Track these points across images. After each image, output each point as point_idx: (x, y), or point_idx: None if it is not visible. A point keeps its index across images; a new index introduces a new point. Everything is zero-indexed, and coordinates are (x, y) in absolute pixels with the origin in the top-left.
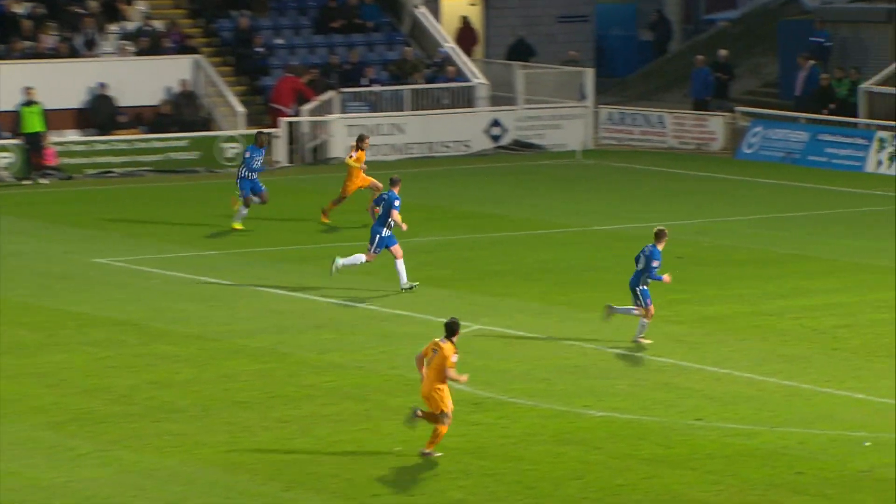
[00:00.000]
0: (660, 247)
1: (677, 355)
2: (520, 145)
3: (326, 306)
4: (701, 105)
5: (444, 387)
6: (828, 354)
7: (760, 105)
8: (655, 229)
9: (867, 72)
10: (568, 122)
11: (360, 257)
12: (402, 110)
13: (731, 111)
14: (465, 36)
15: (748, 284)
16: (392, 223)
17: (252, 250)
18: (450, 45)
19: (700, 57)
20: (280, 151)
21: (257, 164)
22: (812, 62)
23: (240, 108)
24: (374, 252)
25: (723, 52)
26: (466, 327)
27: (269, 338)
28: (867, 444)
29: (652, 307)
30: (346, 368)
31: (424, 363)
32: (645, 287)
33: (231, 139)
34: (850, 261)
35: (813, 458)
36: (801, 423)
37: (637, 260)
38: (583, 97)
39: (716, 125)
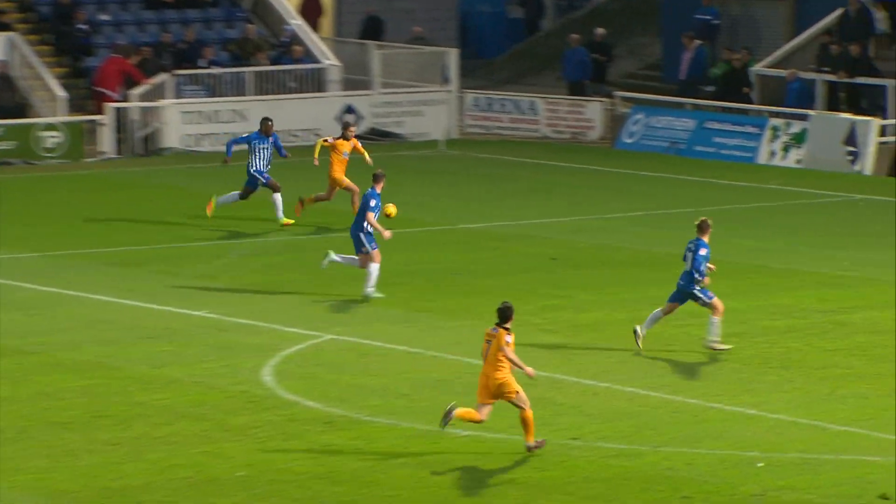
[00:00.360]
0: (705, 239)
1: (551, 367)
2: (376, 134)
3: (160, 314)
4: (576, 89)
5: (504, 375)
6: (717, 366)
7: (642, 90)
8: (697, 221)
9: (760, 53)
10: (429, 108)
11: (373, 267)
12: (244, 95)
13: (610, 96)
14: (310, 7)
15: (629, 289)
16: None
17: (75, 252)
18: (297, 22)
19: (575, 36)
20: (106, 141)
21: (265, 153)
22: (698, 42)
23: (60, 93)
24: (374, 248)
25: (600, 31)
26: (317, 337)
27: (95, 350)
28: (760, 464)
29: (716, 299)
30: (183, 384)
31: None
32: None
33: (51, 127)
34: (741, 262)
35: (701, 480)
36: (687, 442)
37: (686, 258)
38: (446, 81)
39: (593, 112)
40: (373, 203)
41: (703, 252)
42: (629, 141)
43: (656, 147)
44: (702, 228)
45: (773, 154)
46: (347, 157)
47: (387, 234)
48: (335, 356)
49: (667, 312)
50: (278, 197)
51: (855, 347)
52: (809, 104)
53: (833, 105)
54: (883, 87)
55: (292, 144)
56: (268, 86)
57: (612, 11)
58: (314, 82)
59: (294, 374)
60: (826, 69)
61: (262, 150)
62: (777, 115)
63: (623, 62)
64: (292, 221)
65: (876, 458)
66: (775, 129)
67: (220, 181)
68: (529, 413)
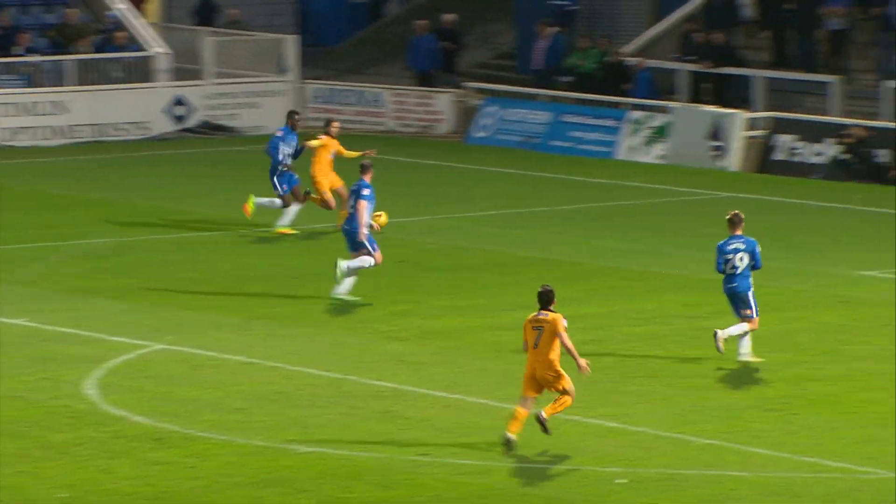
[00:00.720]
0: (741, 232)
1: (399, 378)
2: (209, 128)
3: None
4: (424, 80)
5: (557, 365)
6: (575, 376)
7: (495, 80)
8: (730, 216)
9: (619, 41)
10: (267, 99)
11: (368, 260)
12: (64, 85)
13: (461, 87)
14: None
15: (483, 293)
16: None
17: None
18: (122, 6)
19: (421, 22)
20: None
21: (290, 150)
22: (554, 30)
23: None
24: (374, 249)
25: (449, 17)
26: (146, 347)
27: None
28: (621, 481)
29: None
30: None
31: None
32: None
33: None
34: (599, 264)
35: (558, 498)
36: (544, 456)
37: (727, 263)
38: (284, 70)
39: (442, 104)
40: (365, 192)
41: (758, 249)
42: (481, 135)
43: (510, 141)
44: (736, 223)
45: (633, 149)
46: (333, 158)
47: (377, 224)
48: (165, 367)
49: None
50: (294, 207)
51: (719, 357)
52: (658, 95)
53: (697, 97)
54: (749, 78)
55: (117, 139)
56: (91, 75)
57: None
58: (141, 72)
59: (120, 386)
60: (690, 58)
61: (290, 149)
62: (638, 107)
63: (474, 51)
64: (294, 231)
65: (743, 473)
66: (636, 122)
67: (44, 176)
68: (570, 402)
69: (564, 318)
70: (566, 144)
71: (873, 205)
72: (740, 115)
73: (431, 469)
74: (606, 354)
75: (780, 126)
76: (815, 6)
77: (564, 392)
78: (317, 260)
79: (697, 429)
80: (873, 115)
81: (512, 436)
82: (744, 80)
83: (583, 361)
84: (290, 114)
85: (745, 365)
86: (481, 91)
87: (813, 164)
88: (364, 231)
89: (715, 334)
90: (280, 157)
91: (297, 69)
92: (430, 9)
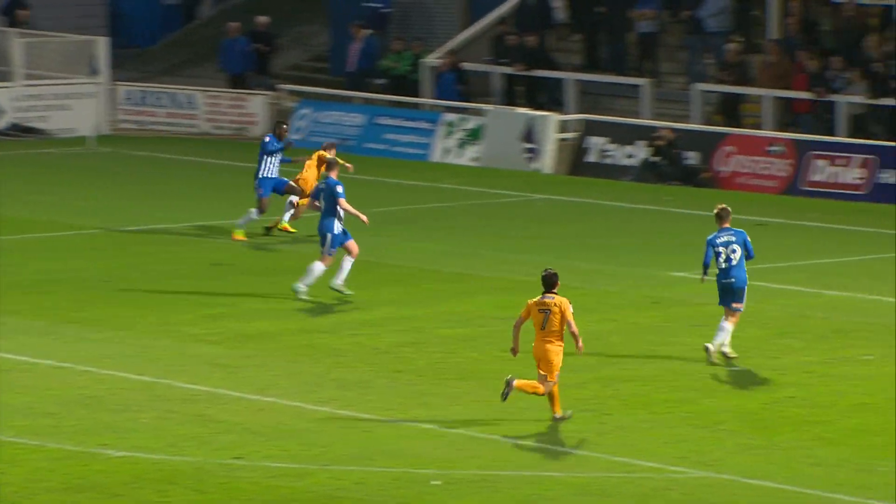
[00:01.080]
0: (729, 225)
1: (212, 381)
2: (18, 130)
3: None
4: (238, 82)
5: (560, 348)
6: (390, 378)
7: (309, 82)
8: (717, 210)
9: (433, 43)
10: (77, 101)
11: (318, 266)
12: None
13: (274, 89)
14: None
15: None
16: (342, 214)
17: None
18: None
19: (234, 24)
20: None
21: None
22: (368, 32)
23: None
24: (330, 253)
25: (261, 20)
26: None
27: None
28: (436, 482)
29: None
30: None
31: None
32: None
33: None
34: (414, 266)
35: (371, 500)
36: (359, 459)
37: (719, 256)
38: (94, 72)
39: (256, 106)
40: (339, 189)
41: (748, 239)
42: (296, 137)
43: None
44: (724, 217)
45: (448, 151)
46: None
47: (364, 217)
48: None
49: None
50: (254, 213)
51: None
52: (464, 97)
53: (510, 99)
54: (562, 81)
55: None
56: None
57: None
58: None
59: None
60: (503, 61)
61: (274, 157)
62: (452, 109)
63: (288, 53)
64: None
65: (557, 473)
66: (450, 124)
67: None
68: (542, 390)
69: (570, 302)
70: (381, 147)
71: (684, 206)
72: (553, 118)
73: (246, 473)
74: (422, 357)
75: (592, 128)
76: (625, 9)
77: (544, 380)
78: (130, 263)
79: (512, 430)
80: (683, 118)
81: (563, 413)
82: (556, 82)
83: (581, 342)
84: (278, 123)
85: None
86: (295, 93)
87: (624, 167)
88: (362, 217)
89: (707, 349)
90: (263, 164)
91: (108, 71)
92: (244, 11)
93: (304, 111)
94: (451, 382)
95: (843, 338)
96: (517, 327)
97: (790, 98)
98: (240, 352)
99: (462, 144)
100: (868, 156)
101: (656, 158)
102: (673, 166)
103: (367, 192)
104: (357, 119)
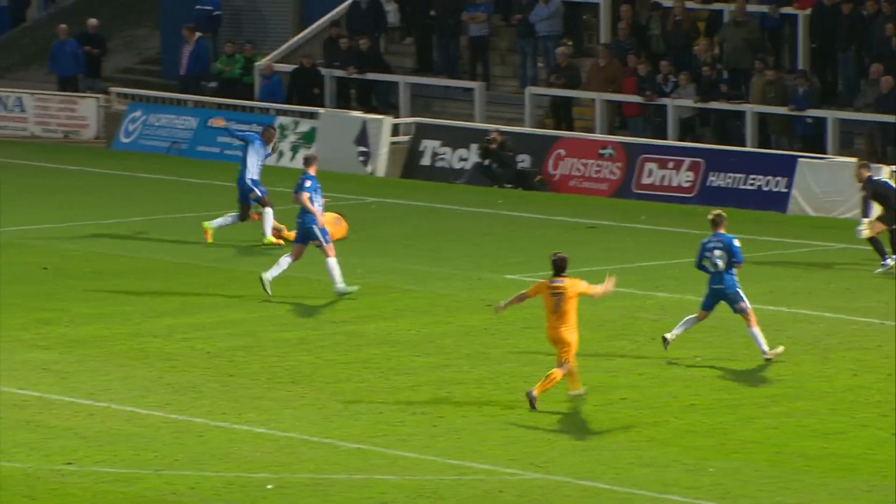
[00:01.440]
0: (723, 231)
1: (43, 387)
2: None
3: None
4: (68, 85)
5: (573, 329)
6: (223, 382)
7: (140, 85)
8: (711, 216)
9: (266, 47)
10: None
11: (331, 262)
12: None
13: (106, 92)
14: None
15: (129, 300)
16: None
17: None
18: None
19: (63, 27)
20: None
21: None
22: (199, 35)
23: None
24: (327, 242)
25: (92, 22)
26: None
27: None
28: (270, 486)
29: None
30: None
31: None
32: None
33: None
34: (248, 270)
35: None
36: (192, 464)
37: (706, 261)
38: None
39: (87, 109)
40: (308, 184)
41: (737, 243)
42: (127, 140)
43: (157, 147)
44: (717, 223)
45: (281, 155)
46: None
47: (317, 211)
48: None
49: (700, 320)
50: (270, 212)
51: (368, 360)
52: (280, 100)
53: (344, 102)
54: (395, 84)
55: None
56: None
57: (106, 1)
58: None
59: None
60: (336, 64)
61: (259, 159)
62: (284, 112)
63: (119, 56)
64: (282, 242)
65: (390, 476)
66: (283, 127)
67: None
68: (559, 377)
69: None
70: (213, 150)
71: (516, 209)
72: (386, 121)
73: (77, 478)
74: (255, 360)
75: (425, 132)
76: (457, 13)
77: (563, 363)
78: None
79: (345, 433)
80: (516, 121)
81: (578, 391)
82: (389, 85)
83: (611, 283)
84: (266, 128)
85: (771, 359)
86: (126, 96)
87: (457, 170)
88: (319, 219)
89: (664, 339)
90: (248, 167)
91: None
92: (73, 13)
93: (136, 114)
94: (284, 386)
95: (674, 340)
96: (519, 298)
97: (621, 101)
98: (71, 357)
99: (295, 147)
100: (697, 159)
101: (489, 161)
102: (504, 168)
103: (200, 196)
104: (189, 122)
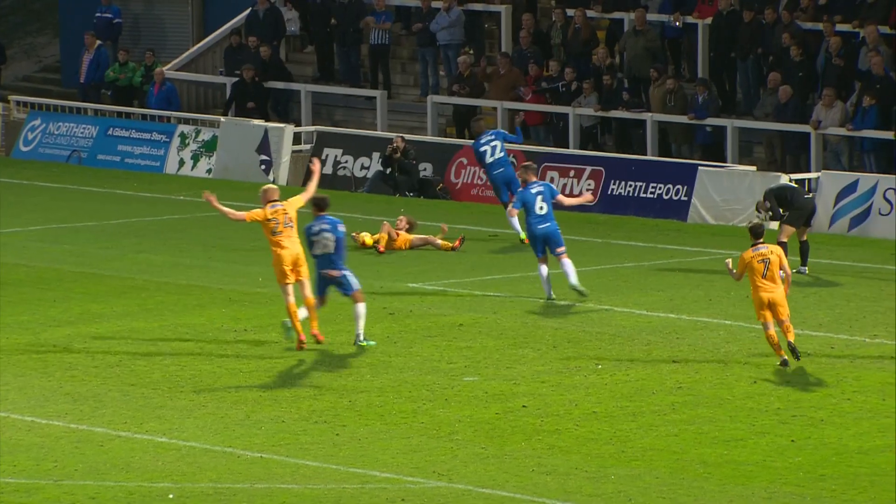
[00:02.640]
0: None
1: None
2: None
3: None
4: None
5: (783, 290)
6: (124, 391)
7: (40, 94)
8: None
9: (166, 56)
10: None
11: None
12: None
13: (5, 101)
14: None
15: (27, 309)
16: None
17: None
18: None
19: None
20: None
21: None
22: (99, 43)
23: None
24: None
25: None
26: None
27: None
28: (171, 496)
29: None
30: None
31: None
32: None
33: None
34: (148, 279)
35: None
36: (92, 474)
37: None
38: None
39: None
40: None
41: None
42: (26, 149)
43: (56, 156)
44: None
45: (181, 163)
46: None
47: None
48: None
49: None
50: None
51: (270, 369)
52: (175, 107)
53: (244, 111)
54: (296, 92)
55: None
56: None
57: (5, 9)
58: None
59: None
60: (236, 72)
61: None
62: (186, 121)
63: (18, 64)
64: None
65: (292, 485)
66: (184, 136)
67: None
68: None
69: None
70: (114, 159)
71: (418, 218)
72: (287, 129)
73: None
74: (156, 370)
75: (326, 140)
76: (357, 21)
77: (782, 323)
78: None
79: (247, 442)
80: (418, 130)
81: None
82: (290, 94)
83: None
84: (477, 120)
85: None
86: (26, 105)
87: (359, 178)
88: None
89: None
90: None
91: None
92: None
93: (35, 122)
94: (185, 395)
95: (575, 347)
96: (738, 277)
97: (521, 110)
98: None
99: (196, 156)
100: (598, 167)
101: (389, 169)
102: (406, 176)
103: (100, 205)
104: (89, 130)
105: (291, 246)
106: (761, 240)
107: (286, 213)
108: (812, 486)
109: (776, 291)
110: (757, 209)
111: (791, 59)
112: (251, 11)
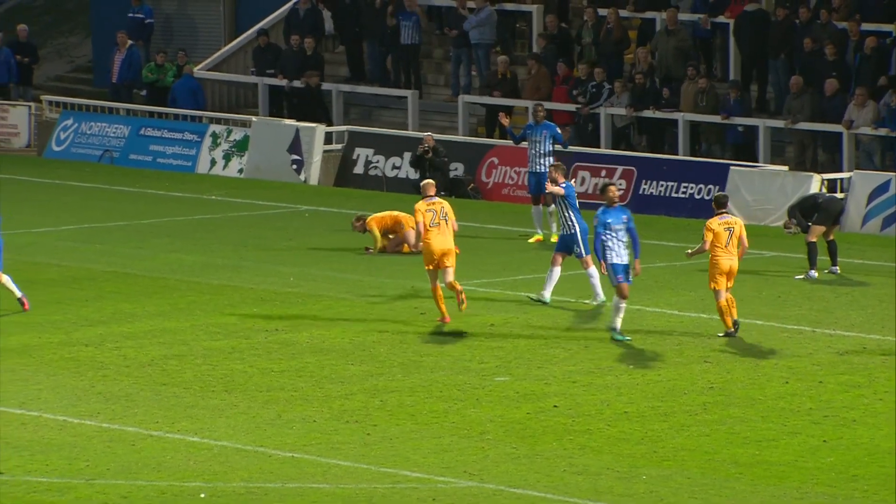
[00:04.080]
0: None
1: None
2: None
3: None
4: (1, 93)
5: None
6: (155, 391)
7: (72, 94)
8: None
9: (197, 55)
10: None
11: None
12: None
13: (37, 101)
14: None
15: (60, 309)
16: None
17: None
18: None
19: None
20: None
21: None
22: (131, 43)
23: None
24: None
25: (22, 28)
26: None
27: None
28: (203, 495)
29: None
30: None
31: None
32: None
33: None
34: (179, 279)
35: None
36: (124, 473)
37: None
38: None
39: (18, 117)
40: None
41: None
42: (59, 149)
43: (89, 155)
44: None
45: (213, 163)
46: None
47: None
48: None
49: None
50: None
51: (301, 368)
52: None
53: (277, 110)
54: (328, 92)
55: None
56: None
57: (37, 8)
58: None
59: None
60: (269, 72)
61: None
62: (218, 120)
63: (50, 64)
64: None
65: (323, 485)
66: (215, 135)
67: None
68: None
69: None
70: (146, 158)
71: None
72: (319, 129)
73: (8, 488)
74: (188, 369)
75: (358, 140)
76: (388, 21)
77: (725, 292)
78: None
79: (278, 442)
80: (449, 130)
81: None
82: (323, 93)
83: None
84: (536, 106)
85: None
86: (58, 104)
87: (390, 178)
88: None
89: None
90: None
91: None
92: (7, 20)
93: (67, 122)
94: (216, 395)
95: (606, 347)
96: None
97: (553, 110)
98: (1, 366)
99: (228, 156)
100: (630, 167)
101: (419, 169)
102: (437, 172)
103: (132, 204)
104: (121, 130)
105: (442, 238)
106: (724, 209)
107: (442, 207)
108: (844, 486)
109: (734, 260)
110: (785, 227)
111: (825, 58)
112: (292, 10)
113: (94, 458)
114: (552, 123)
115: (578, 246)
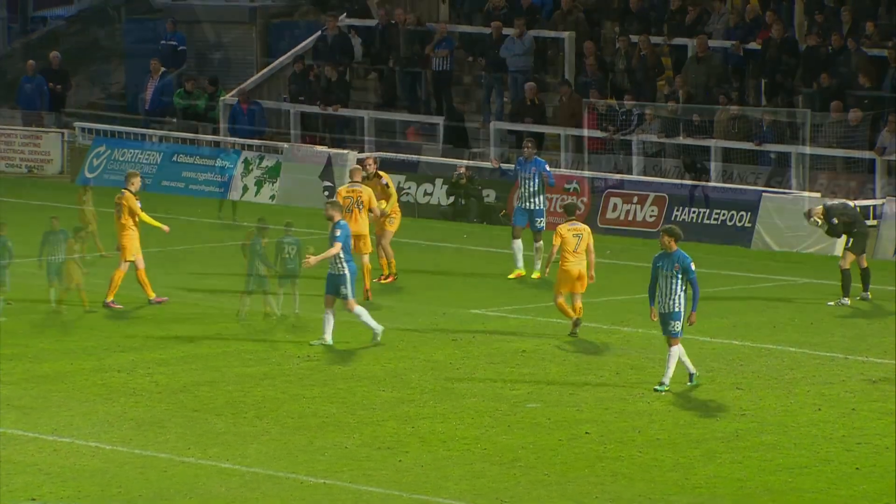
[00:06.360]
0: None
1: (6, 423)
2: None
3: None
4: (33, 120)
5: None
6: (188, 417)
7: (105, 120)
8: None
9: (230, 82)
10: None
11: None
12: None
13: (70, 127)
14: None
15: (92, 336)
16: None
17: None
18: None
19: (31, 62)
20: None
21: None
22: (164, 70)
23: None
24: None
25: (55, 55)
26: None
27: None
28: None
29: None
30: None
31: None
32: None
33: None
34: (210, 305)
35: None
36: (157, 499)
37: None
38: None
39: (51, 144)
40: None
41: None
42: (91, 175)
43: (121, 182)
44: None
45: (246, 189)
46: None
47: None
48: None
49: None
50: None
51: (333, 395)
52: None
53: (308, 137)
54: (359, 118)
55: None
56: None
57: (71, 35)
58: None
59: None
60: (301, 98)
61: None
62: (250, 147)
63: (83, 90)
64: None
65: None
66: (247, 162)
67: None
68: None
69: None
70: (178, 185)
71: (481, 244)
72: (351, 155)
73: None
74: (219, 395)
75: (389, 166)
76: (420, 47)
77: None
78: None
79: (310, 468)
80: (481, 156)
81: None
82: (354, 120)
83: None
84: (527, 142)
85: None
86: (91, 131)
87: (422, 204)
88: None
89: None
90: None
91: None
92: (38, 48)
93: (100, 149)
94: (249, 421)
95: (638, 373)
96: (554, 252)
97: (585, 136)
98: (34, 392)
99: (260, 182)
100: (661, 193)
101: (455, 196)
102: (472, 204)
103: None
104: (154, 157)
105: (577, 263)
106: (573, 217)
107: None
108: None
109: (582, 265)
110: (808, 215)
111: (859, 85)
112: (320, 35)
113: (126, 484)
114: (542, 160)
115: (346, 287)
